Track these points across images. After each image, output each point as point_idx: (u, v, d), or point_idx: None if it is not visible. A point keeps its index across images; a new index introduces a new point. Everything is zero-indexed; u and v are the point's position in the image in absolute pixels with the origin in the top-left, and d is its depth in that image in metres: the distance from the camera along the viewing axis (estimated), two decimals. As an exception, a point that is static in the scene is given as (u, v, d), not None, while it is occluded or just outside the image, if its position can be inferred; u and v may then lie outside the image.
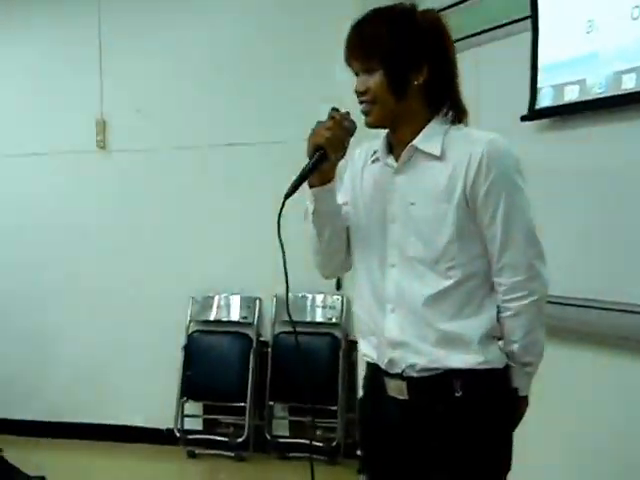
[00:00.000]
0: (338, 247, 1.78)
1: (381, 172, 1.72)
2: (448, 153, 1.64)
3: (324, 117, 1.68)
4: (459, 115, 1.70)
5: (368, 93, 1.64)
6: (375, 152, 1.75)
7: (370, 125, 1.68)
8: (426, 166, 1.65)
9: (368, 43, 1.63)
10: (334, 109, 1.68)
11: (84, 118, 4.61)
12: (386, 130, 1.73)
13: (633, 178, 2.46)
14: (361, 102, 1.67)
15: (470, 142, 1.63)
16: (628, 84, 2.43)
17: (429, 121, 1.67)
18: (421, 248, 1.65)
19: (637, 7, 2.38)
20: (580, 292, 2.58)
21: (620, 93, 2.46)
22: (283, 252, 1.66)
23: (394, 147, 1.71)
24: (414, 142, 1.66)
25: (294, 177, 1.64)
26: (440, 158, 1.64)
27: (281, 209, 1.64)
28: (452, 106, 1.70)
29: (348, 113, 1.67)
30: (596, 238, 2.59)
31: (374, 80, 1.63)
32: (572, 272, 2.51)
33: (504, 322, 1.67)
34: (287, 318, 4.31)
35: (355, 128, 1.68)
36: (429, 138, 1.65)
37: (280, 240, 1.66)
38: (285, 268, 1.68)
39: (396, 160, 1.70)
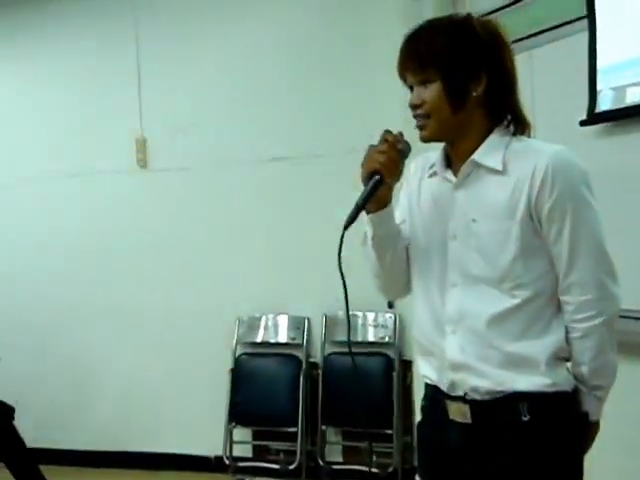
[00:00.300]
0: (400, 269, 1.78)
1: (439, 187, 1.72)
2: (510, 167, 1.63)
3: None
4: (521, 127, 1.69)
5: (423, 106, 1.64)
6: (432, 166, 1.75)
7: (426, 139, 1.68)
8: (487, 180, 1.65)
9: (424, 53, 1.62)
10: (387, 131, 1.67)
11: (124, 137, 4.72)
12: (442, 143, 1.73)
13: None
14: (415, 116, 1.66)
15: (533, 154, 1.62)
16: (694, 84, 2.41)
17: (489, 133, 1.67)
18: (484, 266, 1.64)
19: (701, 2, 2.36)
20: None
21: (686, 93, 2.44)
22: (345, 287, 1.66)
23: (453, 161, 1.71)
24: (474, 156, 1.65)
25: (351, 207, 1.63)
26: (502, 172, 1.63)
27: (341, 242, 1.62)
28: (513, 118, 1.69)
29: (401, 134, 1.67)
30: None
31: (430, 92, 1.63)
32: (635, 282, 2.48)
33: (573, 343, 1.65)
34: (337, 338, 4.35)
35: (410, 150, 1.67)
36: (490, 151, 1.65)
37: (342, 274, 1.64)
38: (347, 301, 1.67)
39: (455, 174, 1.69)
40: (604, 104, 2.75)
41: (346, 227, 1.62)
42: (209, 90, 4.59)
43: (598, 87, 2.76)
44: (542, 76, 3.03)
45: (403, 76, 1.69)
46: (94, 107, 4.79)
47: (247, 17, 4.51)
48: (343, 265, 1.64)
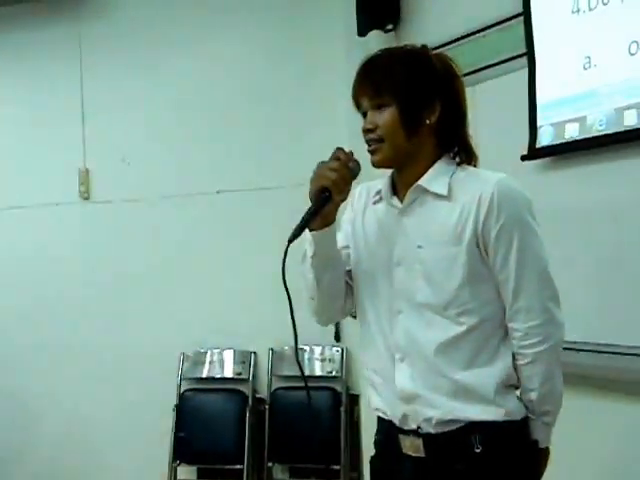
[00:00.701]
0: (337, 292, 1.78)
1: (385, 213, 1.74)
2: (456, 193, 1.66)
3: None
4: (468, 158, 1.74)
5: (377, 130, 1.66)
6: (378, 192, 1.77)
7: (377, 164, 1.70)
8: (433, 206, 1.67)
9: (381, 78, 1.65)
10: (339, 149, 1.69)
11: (67, 168, 4.67)
12: (390, 170, 1.75)
13: (637, 216, 2.50)
14: (368, 140, 1.68)
15: (479, 182, 1.66)
16: (630, 120, 2.50)
17: (436, 161, 1.70)
18: (429, 293, 1.65)
19: (634, 42, 2.46)
20: (591, 337, 2.60)
21: (622, 130, 2.53)
22: (289, 298, 1.66)
23: (398, 187, 1.73)
24: (420, 182, 1.68)
25: (296, 222, 1.65)
26: (447, 198, 1.66)
27: (285, 254, 1.62)
28: (462, 148, 1.74)
29: (352, 153, 1.70)
30: (602, 279, 2.62)
31: (385, 117, 1.65)
32: (580, 315, 2.54)
33: (521, 369, 1.67)
34: (284, 373, 4.33)
35: (359, 169, 1.69)
36: (435, 178, 1.68)
37: (285, 286, 1.64)
38: (292, 316, 1.66)
39: (401, 201, 1.71)
40: (544, 139, 2.83)
41: (290, 241, 1.63)
42: (154, 121, 4.58)
43: (538, 123, 2.84)
44: (485, 111, 3.10)
45: (358, 101, 1.71)
46: (36, 138, 4.73)
47: (195, 51, 4.53)
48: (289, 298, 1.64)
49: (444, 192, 1.66)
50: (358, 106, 1.72)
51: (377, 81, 1.66)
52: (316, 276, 1.73)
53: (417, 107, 1.66)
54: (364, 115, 1.70)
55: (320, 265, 1.72)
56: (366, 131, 1.68)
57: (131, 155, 4.61)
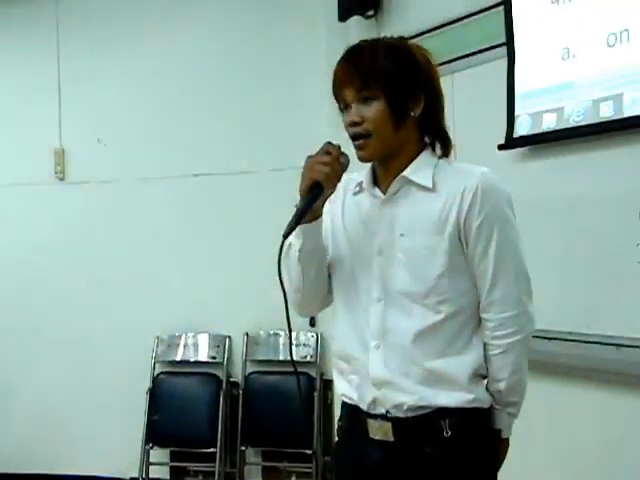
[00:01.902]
0: (322, 285, 1.79)
1: (366, 204, 1.75)
2: (439, 185, 1.68)
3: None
4: (446, 149, 1.75)
5: (364, 124, 1.66)
6: (358, 184, 1.78)
7: (366, 159, 1.70)
8: (417, 197, 1.69)
9: (369, 71, 1.64)
10: (329, 143, 1.69)
11: (42, 148, 4.64)
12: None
13: (612, 206, 2.54)
14: (354, 135, 1.68)
15: (462, 175, 1.68)
16: (606, 112, 2.54)
17: (419, 154, 1.71)
18: (410, 281, 1.67)
19: (613, 34, 2.49)
20: (560, 325, 2.65)
21: (598, 121, 2.56)
22: (284, 292, 1.67)
23: (381, 179, 1.74)
24: (404, 173, 1.69)
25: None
26: (432, 190, 1.68)
27: (280, 250, 1.64)
28: (441, 139, 1.75)
29: (340, 147, 1.69)
30: (576, 269, 2.67)
31: (373, 109, 1.65)
32: (553, 304, 2.58)
33: (491, 360, 1.70)
34: (258, 357, 4.35)
35: (349, 163, 1.70)
36: (419, 169, 1.69)
37: (281, 281, 1.66)
38: (287, 309, 1.67)
39: (383, 192, 1.73)
40: (522, 129, 2.85)
41: (285, 236, 1.64)
42: (132, 102, 4.56)
43: (516, 112, 2.87)
44: (463, 100, 3.12)
45: (340, 93, 1.69)
46: (12, 117, 4.69)
47: (174, 33, 4.51)
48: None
49: (429, 184, 1.68)
50: (339, 99, 1.70)
51: (364, 73, 1.65)
52: (303, 269, 1.73)
53: (404, 99, 1.67)
54: (345, 108, 1.69)
55: (308, 259, 1.73)
56: (353, 124, 1.67)
57: (107, 136, 4.58)
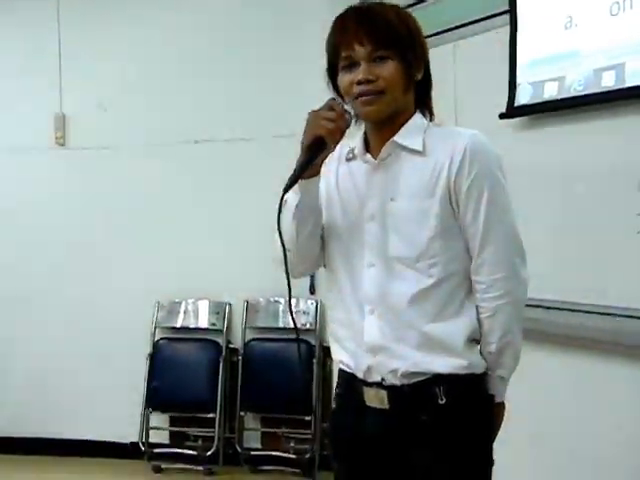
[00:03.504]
0: (315, 244, 1.79)
1: (359, 170, 1.76)
2: (429, 148, 1.68)
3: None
4: (431, 115, 1.77)
5: (378, 81, 1.66)
6: (351, 150, 1.78)
7: (374, 115, 1.69)
8: (407, 161, 1.70)
9: (385, 30, 1.65)
10: (333, 99, 1.69)
11: (43, 113, 4.63)
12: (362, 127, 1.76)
13: (611, 176, 2.55)
14: (364, 92, 1.66)
15: (452, 137, 1.68)
16: (608, 82, 2.53)
17: (410, 118, 1.73)
18: (401, 245, 1.68)
19: (616, 3, 2.48)
20: (557, 294, 2.67)
21: (600, 91, 2.55)
22: (283, 247, 1.66)
23: (373, 144, 1.75)
24: (395, 138, 1.70)
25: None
26: (422, 153, 1.68)
27: (280, 203, 1.64)
28: (428, 108, 1.77)
29: (343, 104, 1.68)
30: (575, 238, 2.68)
31: (388, 69, 1.65)
32: (551, 273, 2.60)
33: (482, 322, 1.71)
34: (258, 324, 4.38)
35: (352, 121, 1.70)
36: (410, 134, 1.70)
37: (280, 236, 1.66)
38: (286, 264, 1.66)
39: (375, 158, 1.73)
40: (523, 98, 2.85)
41: (286, 190, 1.64)
42: (132, 69, 4.55)
43: (518, 81, 2.86)
44: (465, 68, 3.12)
45: (348, 50, 1.67)
46: (12, 83, 4.67)
47: (175, 0, 4.48)
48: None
49: (419, 148, 1.69)
50: (342, 56, 1.68)
51: (380, 33, 1.65)
52: (297, 227, 1.73)
53: (412, 62, 1.69)
54: (350, 65, 1.67)
55: (304, 215, 1.73)
56: (365, 82, 1.66)
57: (108, 102, 4.57)
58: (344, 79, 1.69)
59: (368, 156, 1.75)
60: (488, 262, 1.68)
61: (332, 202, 1.79)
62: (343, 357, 1.79)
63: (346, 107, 1.67)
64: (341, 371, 1.82)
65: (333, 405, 1.89)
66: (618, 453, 2.55)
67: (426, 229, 1.66)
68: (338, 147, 1.74)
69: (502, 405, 1.79)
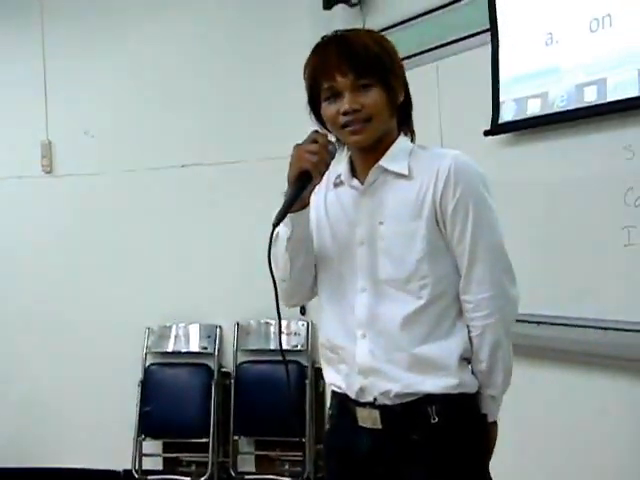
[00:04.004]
0: (309, 275, 1.81)
1: (347, 195, 1.78)
2: (415, 171, 1.70)
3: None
4: (412, 139, 1.80)
5: (363, 110, 1.67)
6: (338, 176, 1.80)
7: (363, 143, 1.70)
8: (393, 185, 1.71)
9: (364, 59, 1.66)
10: (316, 132, 1.71)
11: (29, 141, 4.63)
12: (348, 154, 1.78)
13: (597, 191, 2.57)
14: (349, 122, 1.68)
15: (436, 159, 1.70)
16: (590, 97, 2.56)
17: (394, 141, 1.74)
18: (391, 268, 1.69)
19: (595, 20, 2.51)
20: (546, 309, 2.68)
21: (582, 106, 2.58)
22: (274, 281, 1.69)
23: (359, 170, 1.77)
24: (381, 162, 1.72)
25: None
26: (407, 176, 1.70)
27: (271, 239, 1.67)
28: (410, 129, 1.80)
29: (327, 135, 1.71)
30: (561, 253, 2.69)
31: (373, 96, 1.67)
32: (539, 289, 2.61)
33: (472, 341, 1.71)
34: (250, 346, 4.37)
35: (336, 151, 1.72)
36: (395, 158, 1.72)
37: (271, 269, 1.67)
38: (277, 299, 1.69)
39: (362, 183, 1.75)
40: (507, 115, 2.88)
41: (275, 225, 1.65)
42: (118, 94, 4.56)
43: (501, 98, 2.89)
44: (448, 87, 3.15)
45: (330, 82, 1.67)
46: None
47: (161, 24, 4.50)
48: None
49: (405, 172, 1.71)
50: (324, 87, 1.69)
51: (361, 62, 1.66)
52: (291, 258, 1.75)
53: (394, 85, 1.70)
54: (334, 96, 1.68)
55: (296, 247, 1.75)
56: (351, 112, 1.67)
57: (95, 129, 4.57)
58: (328, 110, 1.70)
59: (355, 181, 1.77)
60: (475, 281, 1.69)
61: (322, 229, 1.81)
62: (335, 379, 1.80)
63: (330, 138, 1.70)
64: (334, 392, 1.83)
65: (327, 426, 1.90)
66: (612, 466, 2.55)
67: (414, 251, 1.67)
68: (325, 174, 1.75)
69: (495, 424, 1.79)
